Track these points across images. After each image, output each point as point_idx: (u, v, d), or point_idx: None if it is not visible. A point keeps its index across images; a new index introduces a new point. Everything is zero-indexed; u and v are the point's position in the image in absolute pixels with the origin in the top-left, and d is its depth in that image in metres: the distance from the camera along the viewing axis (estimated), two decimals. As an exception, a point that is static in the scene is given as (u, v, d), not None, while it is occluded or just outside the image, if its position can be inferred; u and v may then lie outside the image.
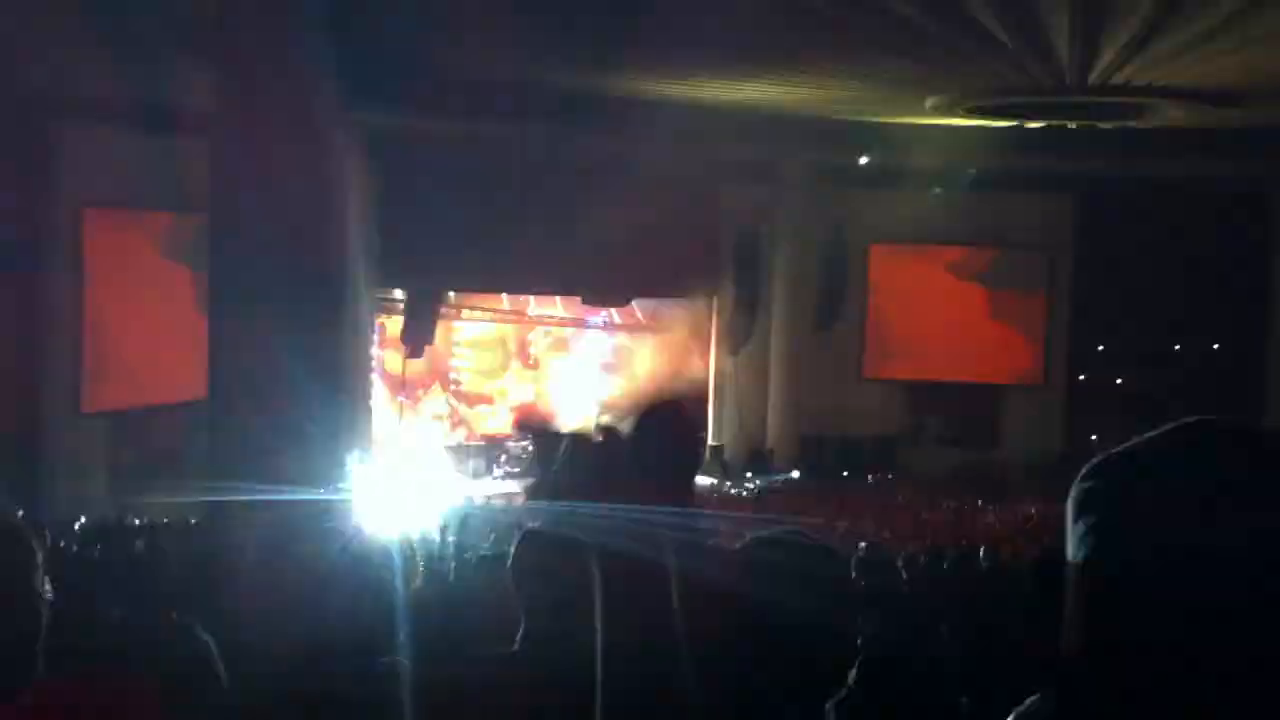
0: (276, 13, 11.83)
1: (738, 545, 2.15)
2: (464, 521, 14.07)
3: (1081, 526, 1.21)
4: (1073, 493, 1.24)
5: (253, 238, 12.12)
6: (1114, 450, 1.25)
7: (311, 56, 12.06)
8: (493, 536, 12.31)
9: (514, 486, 28.54)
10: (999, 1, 14.66)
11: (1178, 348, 31.48)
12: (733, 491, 27.28)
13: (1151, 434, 1.24)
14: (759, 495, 26.78)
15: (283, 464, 11.68)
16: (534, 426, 1.56)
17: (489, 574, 5.02)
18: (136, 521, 19.80)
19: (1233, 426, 1.21)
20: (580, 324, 33.29)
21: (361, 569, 2.30)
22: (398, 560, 2.56)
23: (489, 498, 25.37)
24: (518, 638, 2.86)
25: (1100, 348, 31.89)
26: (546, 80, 21.34)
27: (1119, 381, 31.82)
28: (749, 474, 28.91)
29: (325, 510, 13.40)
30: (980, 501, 24.28)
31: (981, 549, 14.45)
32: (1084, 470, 1.24)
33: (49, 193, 20.94)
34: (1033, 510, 22.73)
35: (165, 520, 18.78)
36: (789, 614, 2.00)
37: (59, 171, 20.98)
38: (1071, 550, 1.21)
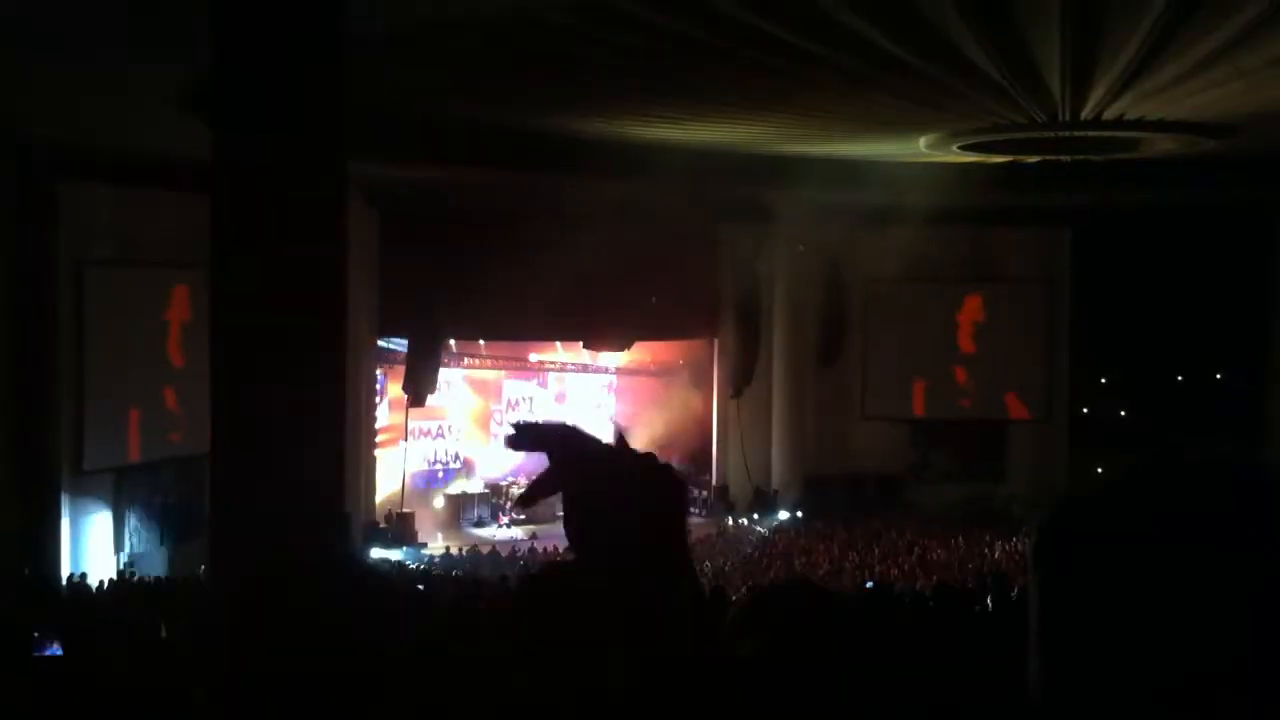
0: (274, 65, 11.89)
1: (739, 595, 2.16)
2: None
3: (1041, 574, 1.18)
4: (1033, 537, 1.20)
5: (253, 291, 12.14)
6: (1077, 495, 1.22)
7: (311, 109, 12.12)
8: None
9: (519, 534, 28.51)
10: (991, 41, 14.74)
11: (1180, 378, 31.51)
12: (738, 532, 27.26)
13: (1113, 476, 1.20)
14: (765, 538, 26.76)
15: (284, 518, 11.66)
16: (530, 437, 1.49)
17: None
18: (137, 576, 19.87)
19: (1200, 469, 1.17)
20: (582, 369, 33.31)
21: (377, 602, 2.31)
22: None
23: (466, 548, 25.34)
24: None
25: (1102, 380, 31.91)
26: (545, 127, 21.43)
27: (1122, 414, 31.83)
28: (754, 514, 28.89)
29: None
30: (987, 536, 24.23)
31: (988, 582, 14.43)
32: (1046, 516, 1.20)
33: (49, 251, 21.00)
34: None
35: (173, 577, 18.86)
36: (792, 666, 2.00)
37: (59, 228, 21.03)
38: (1031, 597, 1.19)
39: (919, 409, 31.07)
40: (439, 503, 30.16)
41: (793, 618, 2.06)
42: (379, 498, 28.24)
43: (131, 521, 22.80)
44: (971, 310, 30.85)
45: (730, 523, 28.54)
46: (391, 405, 29.80)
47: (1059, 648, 1.16)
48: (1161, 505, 1.15)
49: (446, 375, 30.32)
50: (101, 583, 19.39)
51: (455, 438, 31.82)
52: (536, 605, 1.98)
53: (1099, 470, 30.17)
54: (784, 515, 28.58)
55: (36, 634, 9.95)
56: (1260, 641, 1.08)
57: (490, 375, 32.48)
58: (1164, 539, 1.13)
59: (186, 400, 22.38)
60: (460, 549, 26.33)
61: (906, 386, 30.96)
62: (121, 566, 22.06)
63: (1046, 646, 1.17)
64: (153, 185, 21.77)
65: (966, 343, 30.80)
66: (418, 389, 27.32)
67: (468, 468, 31.67)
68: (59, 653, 8.97)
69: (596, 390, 33.76)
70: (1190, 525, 1.13)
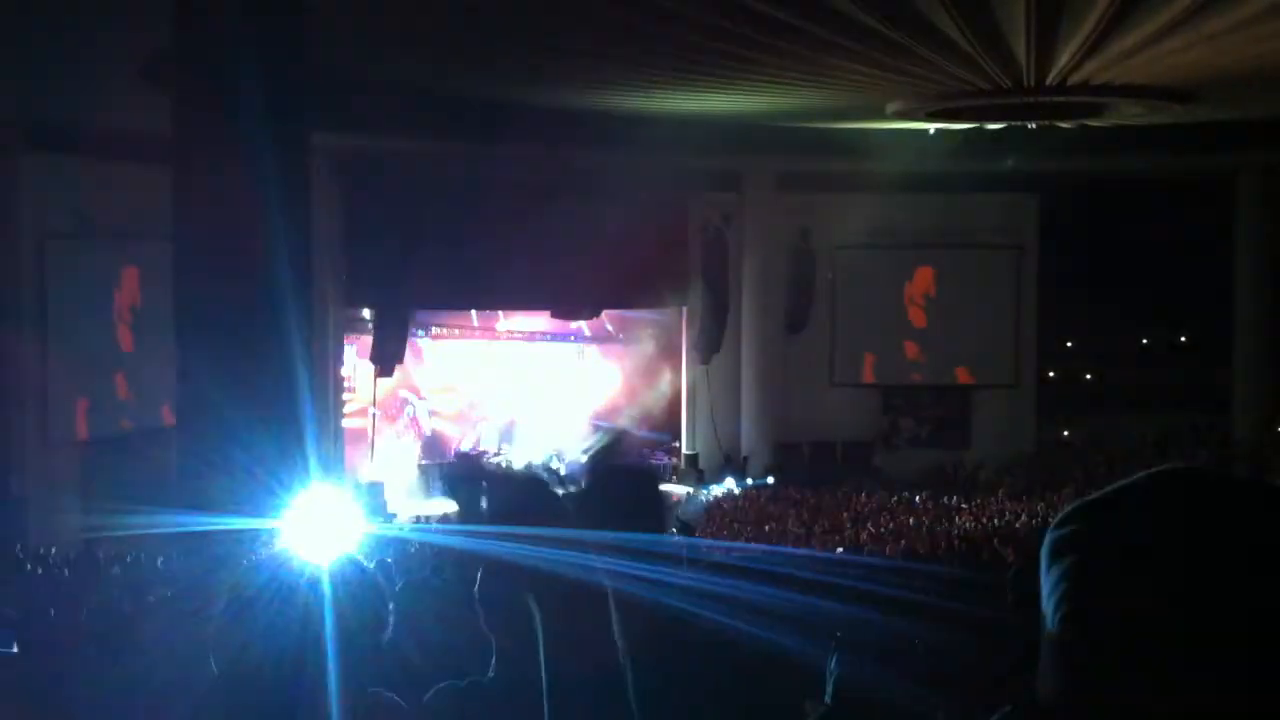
0: (234, 37, 11.78)
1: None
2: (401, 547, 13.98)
3: (1055, 575, 1.19)
4: (1047, 539, 1.22)
5: (216, 263, 12.06)
6: (1088, 498, 1.23)
7: (273, 78, 12.02)
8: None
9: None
10: (956, 5, 14.72)
11: (1145, 342, 31.73)
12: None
13: (1126, 481, 1.22)
14: (735, 502, 26.82)
15: (250, 491, 11.61)
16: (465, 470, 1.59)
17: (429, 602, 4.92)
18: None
19: (1210, 474, 1.19)
20: (550, 338, 33.26)
21: (289, 601, 2.27)
22: (328, 589, 2.51)
23: (421, 518, 25.28)
24: (492, 663, 2.85)
25: (1068, 345, 32.10)
26: (510, 96, 21.34)
27: (1088, 378, 32.05)
28: (724, 481, 28.94)
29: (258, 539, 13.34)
30: (955, 501, 24.35)
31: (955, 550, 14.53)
32: (1058, 517, 1.23)
33: (11, 223, 20.83)
34: (1006, 509, 22.83)
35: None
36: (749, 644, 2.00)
37: (21, 202, 20.86)
38: (1045, 597, 1.20)
39: (886, 376, 31.17)
40: (410, 471, 30.11)
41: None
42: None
43: (98, 494, 22.67)
44: (937, 278, 30.91)
45: (703, 491, 28.57)
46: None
47: (1078, 644, 1.16)
48: (1183, 506, 1.16)
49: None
50: (67, 555, 19.31)
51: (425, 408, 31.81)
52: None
53: (1065, 434, 30.44)
54: (752, 481, 28.64)
55: None
56: (1271, 648, 1.09)
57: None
58: (1175, 541, 1.14)
59: (137, 379, 22.45)
60: (429, 518, 26.25)
61: (875, 354, 31.04)
62: (85, 540, 21.94)
63: (1063, 643, 1.18)
64: (116, 157, 21.59)
65: (933, 310, 30.88)
66: (385, 360, 27.24)
67: (438, 438, 31.64)
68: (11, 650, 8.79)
69: (565, 358, 33.72)
70: (1202, 528, 1.14)
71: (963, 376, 31.08)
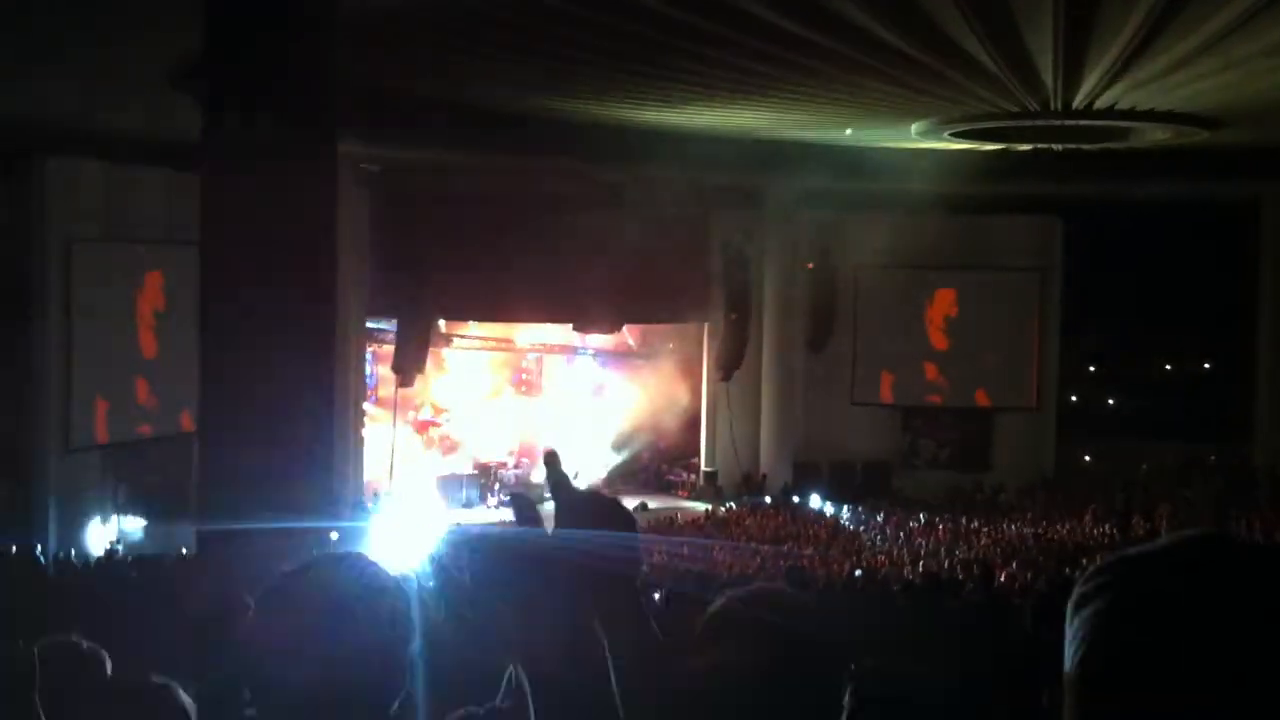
0: (264, 46, 11.85)
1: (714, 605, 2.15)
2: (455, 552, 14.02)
3: (1078, 632, 1.20)
4: (1074, 594, 1.23)
5: (242, 269, 12.12)
6: (1119, 555, 1.23)
7: (302, 88, 12.10)
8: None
9: (509, 516, 28.48)
10: (984, 28, 14.73)
11: (1168, 368, 31.62)
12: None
13: (1158, 543, 1.22)
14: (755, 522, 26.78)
15: (272, 496, 11.66)
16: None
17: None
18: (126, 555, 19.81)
19: (1245, 543, 1.19)
20: (571, 350, 33.31)
21: (379, 599, 2.28)
22: (414, 590, 2.52)
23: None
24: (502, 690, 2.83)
25: (1090, 369, 32.00)
26: (535, 110, 21.39)
27: (1110, 402, 31.93)
28: (742, 498, 28.91)
29: (330, 540, 13.39)
30: (974, 523, 24.28)
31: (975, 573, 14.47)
32: (1087, 573, 1.23)
33: (37, 227, 20.95)
34: (1026, 532, 22.75)
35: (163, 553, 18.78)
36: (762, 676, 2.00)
37: (47, 206, 20.99)
38: (1067, 654, 1.21)
39: (905, 396, 31.11)
40: (429, 483, 30.14)
41: (754, 633, 2.06)
42: (368, 477, 28.18)
43: (119, 499, 22.78)
44: (958, 299, 30.85)
45: (721, 508, 28.56)
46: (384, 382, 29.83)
47: (1094, 704, 1.18)
48: (1214, 573, 1.16)
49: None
50: (87, 560, 19.38)
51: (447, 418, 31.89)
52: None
53: (1086, 459, 30.33)
54: (770, 500, 28.60)
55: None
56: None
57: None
58: (1198, 604, 1.14)
59: (158, 384, 22.58)
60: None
61: (895, 374, 31.00)
62: (109, 545, 22.03)
63: (1080, 702, 1.19)
64: (143, 162, 21.73)
65: (954, 330, 30.83)
66: (406, 369, 27.27)
67: (454, 446, 31.69)
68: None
69: (584, 372, 33.78)
70: (1225, 594, 1.14)
71: (982, 399, 30.99)
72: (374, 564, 2.28)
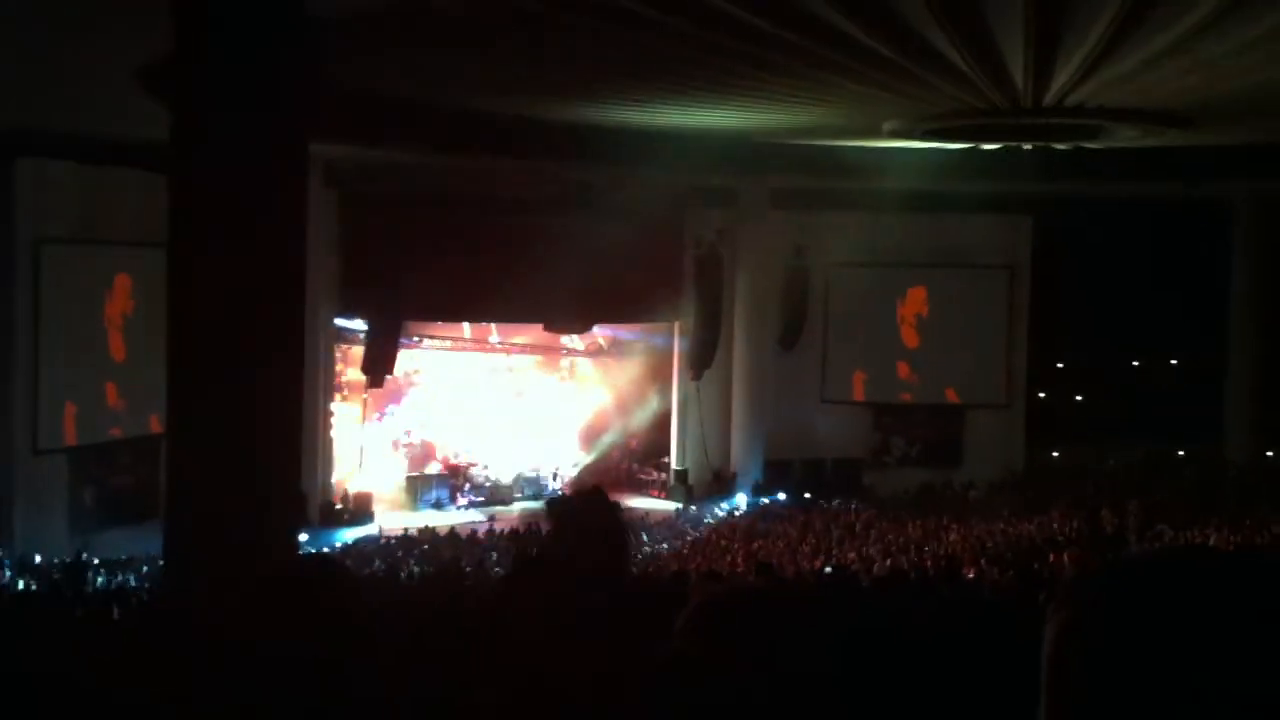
0: (234, 47, 11.77)
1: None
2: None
3: (1050, 646, 1.20)
4: (1049, 610, 1.23)
5: (211, 270, 12.03)
6: (1095, 569, 1.23)
7: (270, 89, 12.02)
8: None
9: (478, 516, 28.44)
10: (954, 26, 14.74)
11: (1136, 364, 31.77)
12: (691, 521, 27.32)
13: (1135, 555, 1.25)
14: (723, 521, 26.81)
15: (241, 498, 11.59)
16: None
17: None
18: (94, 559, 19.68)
19: (1224, 558, 1.19)
20: (542, 351, 33.25)
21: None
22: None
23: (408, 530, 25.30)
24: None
25: (1059, 366, 32.12)
26: (506, 111, 21.34)
27: (1079, 399, 32.07)
28: (713, 497, 28.94)
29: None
30: (944, 520, 24.32)
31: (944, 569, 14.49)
32: (1061, 584, 1.25)
33: (5, 229, 20.79)
34: (994, 529, 22.80)
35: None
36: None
37: (15, 207, 20.83)
38: (1043, 666, 1.22)
39: (878, 395, 31.20)
40: (398, 483, 30.06)
41: (739, 629, 2.04)
42: (336, 477, 28.08)
43: (86, 502, 22.61)
44: (930, 297, 30.96)
45: (692, 508, 28.58)
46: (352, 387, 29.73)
47: (1056, 700, 1.17)
48: (1190, 588, 1.17)
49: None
50: (53, 561, 19.27)
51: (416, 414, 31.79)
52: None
53: (1055, 455, 30.47)
54: (742, 498, 28.63)
55: None
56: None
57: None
58: (1190, 616, 1.14)
59: (127, 386, 22.46)
60: (417, 530, 26.23)
61: (866, 372, 31.08)
62: (76, 548, 21.87)
63: (1049, 696, 1.19)
64: (112, 163, 21.58)
65: (925, 329, 30.93)
66: (375, 369, 27.18)
67: (426, 450, 31.57)
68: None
69: (556, 372, 33.75)
70: (1217, 606, 1.14)
71: (953, 396, 31.11)
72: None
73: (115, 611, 11.38)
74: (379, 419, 30.99)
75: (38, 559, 19.61)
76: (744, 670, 1.94)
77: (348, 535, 25.62)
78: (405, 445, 31.29)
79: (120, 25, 14.30)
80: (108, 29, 14.49)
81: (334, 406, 28.66)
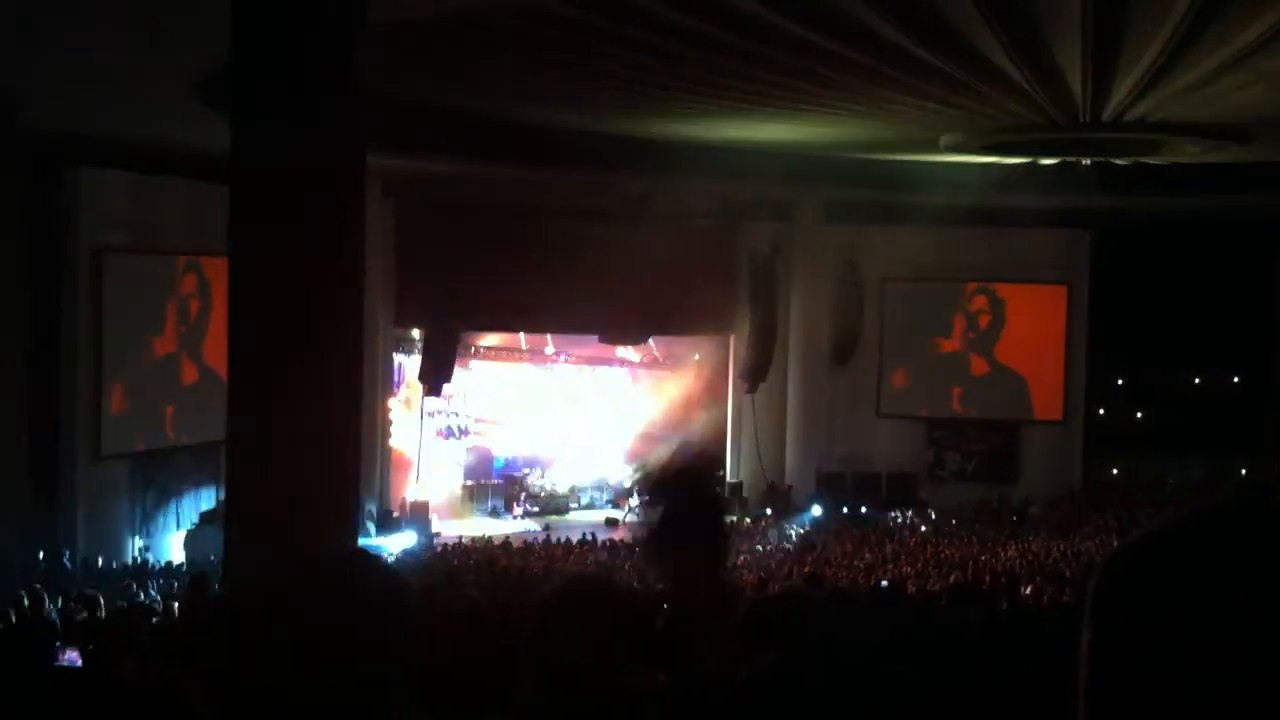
0: (292, 56, 11.91)
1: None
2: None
3: (1089, 630, 1.17)
4: (1089, 589, 1.19)
5: (271, 280, 12.16)
6: (1130, 541, 1.19)
7: (330, 100, 12.14)
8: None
9: (533, 526, 28.54)
10: (1013, 41, 14.69)
11: (1196, 381, 31.40)
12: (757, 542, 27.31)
13: (1173, 517, 1.17)
14: (780, 534, 26.70)
15: (295, 506, 11.69)
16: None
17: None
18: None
19: (1245, 507, 1.14)
20: (597, 362, 33.31)
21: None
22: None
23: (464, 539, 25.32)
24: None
25: (1119, 382, 31.81)
26: (563, 123, 21.44)
27: (1138, 416, 31.74)
28: (768, 510, 28.86)
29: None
30: (1000, 537, 24.16)
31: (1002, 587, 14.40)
32: (1099, 564, 1.19)
33: (68, 238, 21.07)
34: (1052, 546, 22.63)
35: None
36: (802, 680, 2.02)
37: (78, 216, 21.11)
38: (1082, 650, 1.18)
39: (934, 409, 31.03)
40: (455, 492, 30.22)
41: (803, 628, 2.07)
42: (393, 485, 28.26)
43: (147, 506, 22.90)
44: (987, 310, 30.78)
45: (746, 521, 28.51)
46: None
47: (1117, 689, 1.15)
48: (1214, 547, 1.13)
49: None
50: (114, 565, 19.51)
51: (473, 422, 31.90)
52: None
53: (1114, 472, 30.17)
54: (797, 512, 28.55)
55: (57, 642, 9.91)
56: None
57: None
58: (1218, 580, 1.11)
59: (188, 393, 22.68)
60: (473, 539, 26.34)
61: (921, 386, 30.91)
62: (136, 552, 22.16)
63: (1100, 687, 1.16)
64: (169, 172, 21.84)
65: (981, 344, 30.75)
66: (433, 379, 27.35)
67: (481, 455, 31.69)
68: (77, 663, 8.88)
69: (613, 383, 33.77)
70: (1244, 566, 1.11)
71: (1009, 412, 30.88)
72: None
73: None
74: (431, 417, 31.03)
75: (100, 561, 19.88)
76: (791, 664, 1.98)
77: (403, 542, 25.75)
78: (457, 435, 31.26)
79: (182, 34, 14.48)
80: (170, 36, 14.68)
81: (393, 415, 28.85)
